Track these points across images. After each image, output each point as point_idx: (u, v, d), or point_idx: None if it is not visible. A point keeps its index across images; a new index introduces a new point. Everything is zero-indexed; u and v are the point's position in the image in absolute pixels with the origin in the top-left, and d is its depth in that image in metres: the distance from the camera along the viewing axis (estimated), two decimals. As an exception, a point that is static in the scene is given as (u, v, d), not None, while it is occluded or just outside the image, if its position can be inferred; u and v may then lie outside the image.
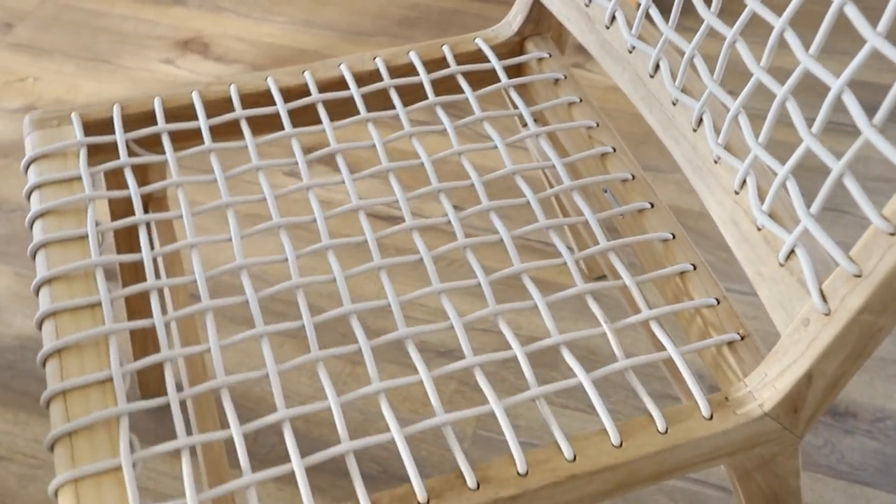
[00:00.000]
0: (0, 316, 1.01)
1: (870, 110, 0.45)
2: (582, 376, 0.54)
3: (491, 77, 0.73)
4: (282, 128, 0.68)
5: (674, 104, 0.61)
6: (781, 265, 0.52)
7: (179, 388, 0.59)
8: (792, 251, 0.51)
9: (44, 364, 0.54)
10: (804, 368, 0.50)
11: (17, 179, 1.16)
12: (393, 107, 0.70)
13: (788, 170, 0.51)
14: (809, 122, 0.49)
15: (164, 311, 0.57)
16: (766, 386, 0.52)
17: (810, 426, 0.56)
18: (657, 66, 0.62)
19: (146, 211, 0.70)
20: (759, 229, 0.53)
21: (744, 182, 0.55)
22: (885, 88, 1.29)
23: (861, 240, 0.46)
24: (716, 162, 0.57)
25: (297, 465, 0.50)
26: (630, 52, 0.64)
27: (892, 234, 0.45)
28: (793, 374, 0.51)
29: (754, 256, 0.54)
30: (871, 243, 0.46)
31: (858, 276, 0.46)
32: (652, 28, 0.64)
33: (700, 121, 0.58)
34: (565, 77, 0.72)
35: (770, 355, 0.53)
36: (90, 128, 0.68)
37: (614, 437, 0.52)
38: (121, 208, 0.68)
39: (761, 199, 0.53)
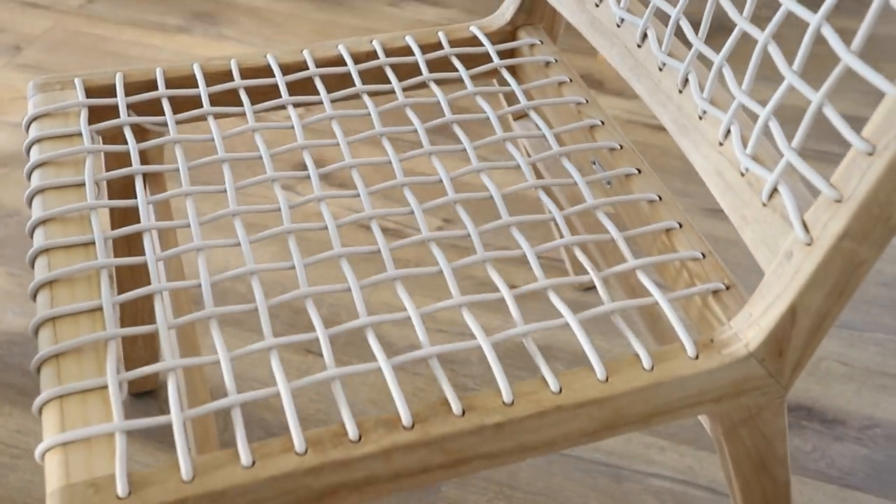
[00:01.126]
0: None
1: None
2: (569, 317, 0.55)
3: (484, 59, 0.75)
4: (279, 98, 0.70)
5: (660, 69, 0.63)
6: (765, 205, 0.53)
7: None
8: (775, 190, 0.52)
9: (34, 296, 0.54)
10: (787, 302, 0.51)
11: (15, 187, 1.17)
12: (388, 82, 0.72)
13: (770, 110, 0.52)
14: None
15: (154, 251, 0.57)
16: (750, 326, 0.53)
17: (795, 375, 0.56)
18: (644, 36, 0.64)
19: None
20: (742, 174, 0.55)
21: (728, 133, 0.56)
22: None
23: (841, 164, 0.48)
24: (700, 118, 0.59)
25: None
26: (619, 25, 0.67)
27: (870, 155, 0.46)
28: (777, 309, 0.51)
29: (738, 202, 0.55)
30: (850, 166, 0.47)
31: (839, 201, 0.47)
32: (638, 3, 0.67)
33: (686, 81, 0.60)
34: (556, 61, 0.74)
35: (755, 294, 0.53)
36: (92, 92, 0.69)
37: (600, 373, 0.52)
38: (118, 165, 0.69)
39: (744, 144, 0.55)
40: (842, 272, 0.50)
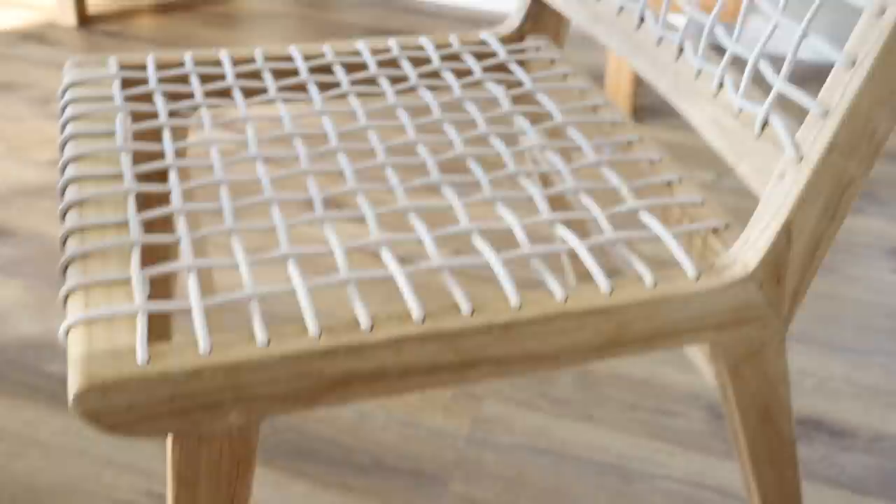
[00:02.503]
0: (7, 320, 1.03)
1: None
2: (575, 244, 0.57)
3: (493, 58, 0.80)
4: (305, 90, 0.74)
5: (658, 44, 0.67)
6: (757, 137, 0.56)
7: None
8: (766, 123, 0.55)
9: (64, 215, 0.57)
10: (782, 222, 0.53)
11: (39, 214, 1.21)
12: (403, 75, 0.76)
13: (759, 50, 0.56)
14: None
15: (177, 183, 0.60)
16: (748, 249, 0.55)
17: (794, 308, 0.58)
18: (642, 19, 0.69)
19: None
20: (736, 116, 0.58)
21: (721, 84, 0.60)
22: None
23: (826, 82, 0.51)
24: (696, 77, 0.62)
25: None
26: (618, 13, 0.71)
27: (851, 67, 0.49)
28: (772, 230, 0.54)
29: (733, 142, 0.58)
30: (834, 82, 0.50)
31: (825, 116, 0.50)
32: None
33: (681, 50, 0.64)
34: (560, 58, 0.79)
35: (751, 220, 0.55)
36: (125, 69, 0.73)
37: (605, 287, 0.54)
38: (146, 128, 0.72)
39: (737, 89, 0.58)
40: (832, 189, 0.52)
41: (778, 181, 0.54)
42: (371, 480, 0.86)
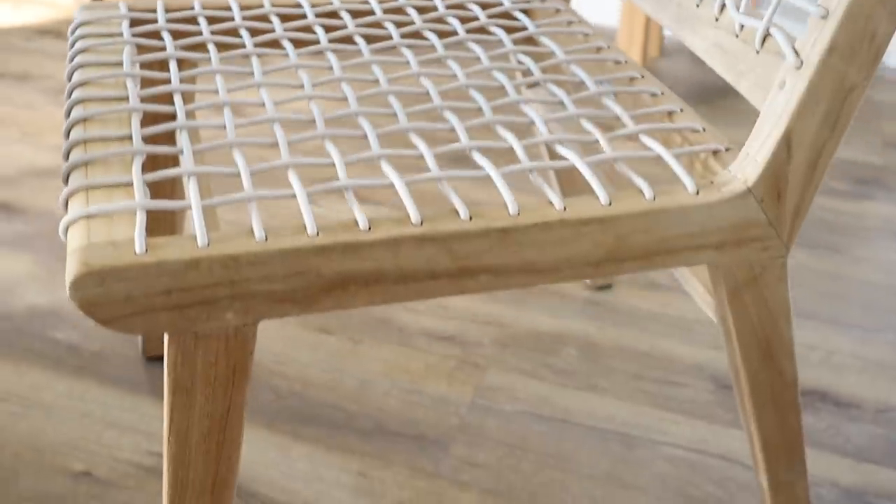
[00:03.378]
0: (16, 290, 1.04)
1: None
2: (575, 159, 0.57)
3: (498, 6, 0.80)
4: (312, 31, 0.75)
5: (661, -18, 0.67)
6: (758, 52, 0.56)
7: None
8: (767, 35, 0.55)
9: (68, 133, 0.58)
10: (782, 131, 0.53)
11: (50, 192, 1.22)
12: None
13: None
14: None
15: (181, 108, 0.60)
16: (748, 163, 0.55)
17: (795, 229, 0.57)
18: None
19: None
20: (737, 35, 0.58)
21: (723, 7, 0.60)
22: None
23: (826, -15, 0.51)
24: (697, 6, 0.63)
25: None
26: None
27: (851, -33, 0.50)
28: (772, 140, 0.54)
29: (734, 61, 0.58)
30: (834, -17, 0.51)
31: (825, 17, 0.51)
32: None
33: (684, -19, 0.65)
34: (566, 9, 0.80)
35: (752, 134, 0.55)
36: (134, 11, 0.75)
37: (603, 198, 0.54)
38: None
39: (738, 8, 0.59)
40: (833, 96, 0.52)
41: (778, 91, 0.54)
42: (373, 444, 0.86)
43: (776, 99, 0.54)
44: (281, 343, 0.98)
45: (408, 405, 0.90)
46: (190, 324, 0.48)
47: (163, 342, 0.94)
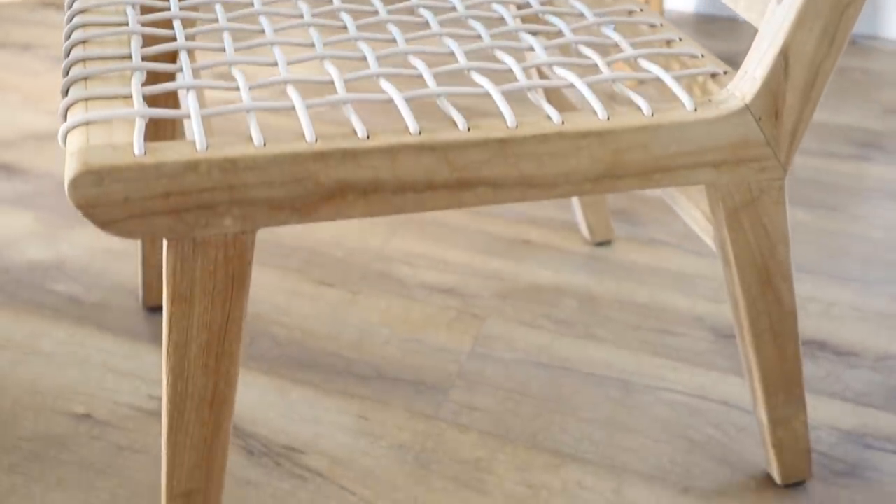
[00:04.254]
0: (17, 245, 1.04)
1: None
2: (574, 79, 0.57)
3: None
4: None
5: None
6: (756, -29, 0.56)
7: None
8: (765, -46, 0.56)
9: (68, 52, 0.58)
10: (779, 46, 0.53)
11: (49, 154, 1.22)
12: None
13: None
14: None
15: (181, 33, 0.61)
16: (746, 80, 0.55)
17: (792, 150, 0.58)
18: None
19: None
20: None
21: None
22: None
23: None
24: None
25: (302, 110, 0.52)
26: None
27: None
28: (769, 56, 0.54)
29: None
30: None
31: (822, -72, 0.51)
32: None
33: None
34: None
35: (749, 52, 0.56)
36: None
37: (601, 113, 0.54)
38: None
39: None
40: (831, 10, 0.52)
41: (776, 4, 0.54)
42: (372, 389, 0.86)
43: (774, 14, 0.54)
44: (281, 295, 0.98)
45: (407, 353, 0.91)
46: (188, 229, 0.48)
47: (162, 292, 0.94)
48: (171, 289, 0.50)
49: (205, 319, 0.52)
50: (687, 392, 0.87)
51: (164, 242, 0.49)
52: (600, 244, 1.08)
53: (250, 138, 0.49)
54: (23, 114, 1.34)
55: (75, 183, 0.45)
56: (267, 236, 1.08)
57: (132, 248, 1.05)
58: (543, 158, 0.52)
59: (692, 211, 0.65)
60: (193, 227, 0.48)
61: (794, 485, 0.77)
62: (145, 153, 0.47)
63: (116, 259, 1.03)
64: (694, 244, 1.09)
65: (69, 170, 0.46)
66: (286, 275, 1.01)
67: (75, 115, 0.50)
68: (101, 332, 0.92)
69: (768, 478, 0.77)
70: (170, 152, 0.47)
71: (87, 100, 0.51)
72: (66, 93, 0.53)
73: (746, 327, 0.66)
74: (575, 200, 1.05)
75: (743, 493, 0.76)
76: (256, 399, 0.84)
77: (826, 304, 0.99)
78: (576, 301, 0.99)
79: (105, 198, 0.46)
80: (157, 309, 0.95)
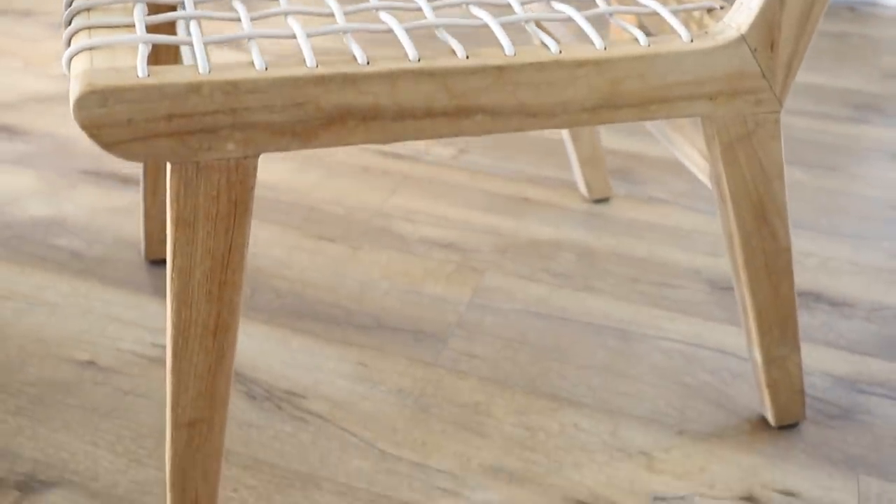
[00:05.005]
0: (19, 203, 1.05)
1: None
2: (571, 12, 0.57)
3: None
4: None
5: None
6: None
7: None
8: None
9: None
10: (775, -24, 0.54)
11: (51, 118, 1.23)
12: None
13: None
14: None
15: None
16: (742, 11, 0.56)
17: (788, 83, 0.58)
18: None
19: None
20: None
21: None
22: None
23: None
24: None
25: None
26: None
27: None
28: (765, -13, 0.54)
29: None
30: None
31: None
32: None
33: None
34: None
35: (744, -16, 0.56)
36: None
37: (598, 43, 0.54)
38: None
39: None
40: (824, -61, 0.53)
41: (770, -60, 0.54)
42: (372, 337, 0.87)
43: (768, -56, 0.54)
44: (281, 250, 0.99)
45: (407, 304, 0.92)
46: (191, 153, 0.49)
47: (164, 245, 0.95)
48: (174, 213, 0.51)
49: (208, 245, 0.53)
50: (683, 340, 0.88)
51: (168, 167, 0.50)
52: (598, 201, 1.09)
53: (252, 63, 0.50)
54: (24, 78, 1.34)
55: (80, 103, 0.46)
56: (266, 193, 1.08)
57: (132, 206, 1.05)
58: (541, 87, 0.53)
59: (687, 149, 0.66)
60: (196, 151, 0.49)
61: (788, 426, 0.78)
62: (148, 75, 0.47)
63: (117, 215, 1.03)
64: (691, 201, 1.10)
65: (74, 90, 0.47)
66: (286, 231, 1.02)
67: (79, 41, 0.51)
68: (103, 285, 0.93)
69: (763, 420, 0.78)
70: (172, 75, 0.48)
71: (90, 28, 0.52)
72: (68, 23, 0.54)
73: (741, 264, 0.66)
74: (574, 158, 1.06)
75: (738, 435, 0.77)
76: (258, 347, 0.85)
77: (823, 258, 1.00)
78: (574, 255, 0.99)
79: (109, 118, 0.47)
80: (160, 262, 0.96)
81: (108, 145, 0.48)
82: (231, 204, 0.52)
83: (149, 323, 0.88)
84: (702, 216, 1.07)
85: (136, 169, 1.13)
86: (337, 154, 1.17)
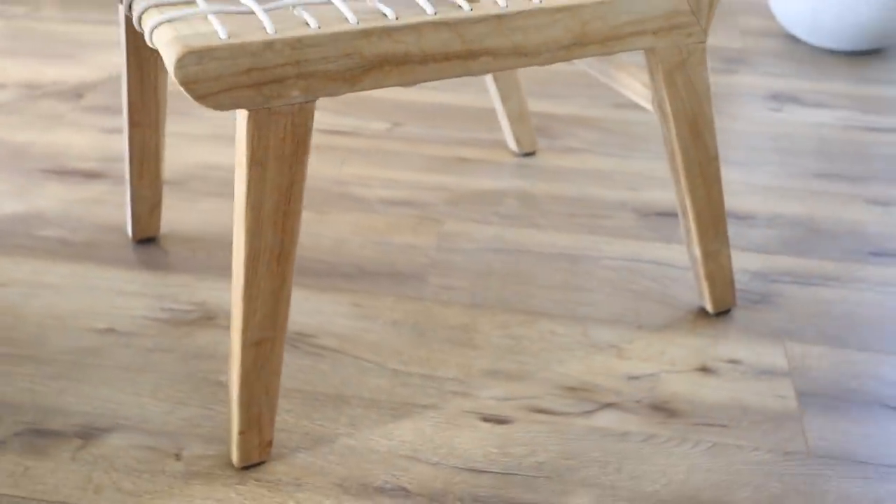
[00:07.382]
0: (21, 196, 1.10)
1: None
2: (538, -26, 0.70)
3: None
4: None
5: None
6: None
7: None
8: None
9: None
10: (698, -68, 0.69)
11: (2, 129, 1.27)
12: None
13: None
14: None
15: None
16: (673, -38, 0.70)
17: (710, 18, 0.73)
18: None
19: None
20: None
21: None
22: None
23: None
24: None
25: None
26: None
27: None
28: (691, -59, 0.69)
29: None
30: None
31: None
32: None
33: None
34: None
35: (673, -60, 0.71)
36: None
37: (568, -6, 0.68)
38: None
39: None
40: None
41: None
42: (359, 283, 0.98)
43: None
44: (256, 220, 1.08)
45: (382, 253, 1.03)
46: (265, 100, 0.60)
47: (152, 224, 1.03)
48: (249, 156, 0.61)
49: (276, 181, 0.63)
50: (623, 258, 1.03)
51: (243, 115, 0.60)
52: (527, 154, 1.23)
53: (306, 23, 0.60)
54: (-45, 92, 1.38)
55: (181, 62, 0.56)
56: (230, 177, 1.17)
57: (102, 196, 1.12)
58: (529, 30, 0.66)
59: (631, 82, 0.81)
60: (269, 99, 0.60)
61: (723, 313, 0.94)
62: (229, 38, 0.58)
63: (91, 205, 1.10)
64: (604, 147, 1.26)
65: (173, 52, 0.56)
66: (255, 204, 1.11)
67: (153, 17, 0.60)
68: (98, 265, 1.00)
69: (703, 310, 0.94)
70: (248, 36, 0.58)
71: (159, 6, 0.61)
72: (129, 6, 0.63)
73: (682, 173, 0.82)
74: (503, 118, 1.20)
75: (684, 324, 0.92)
76: (259, 301, 0.95)
77: (724, 182, 1.18)
78: (516, 200, 1.13)
79: (203, 74, 0.57)
80: (147, 240, 1.04)
81: (201, 97, 0.57)
82: (295, 144, 0.62)
83: (152, 292, 0.96)
84: (616, 159, 1.23)
85: (96, 163, 1.19)
86: (282, 136, 1.27)
